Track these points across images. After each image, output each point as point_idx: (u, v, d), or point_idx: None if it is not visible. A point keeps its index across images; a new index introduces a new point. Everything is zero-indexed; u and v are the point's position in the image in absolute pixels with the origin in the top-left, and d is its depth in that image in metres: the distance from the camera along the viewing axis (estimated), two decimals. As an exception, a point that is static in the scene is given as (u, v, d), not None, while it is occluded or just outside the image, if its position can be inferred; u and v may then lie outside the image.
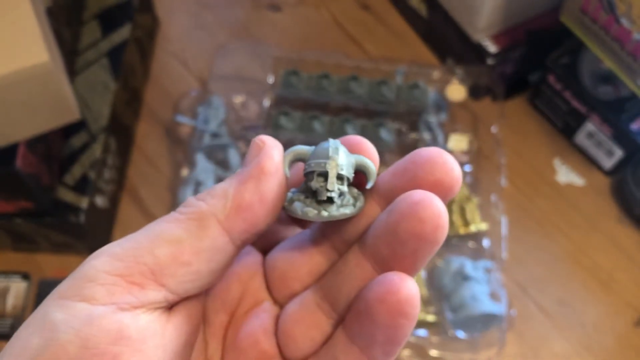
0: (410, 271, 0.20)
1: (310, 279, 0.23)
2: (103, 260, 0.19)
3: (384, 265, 0.20)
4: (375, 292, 0.19)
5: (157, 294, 0.19)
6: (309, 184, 0.21)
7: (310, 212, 0.20)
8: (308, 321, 0.22)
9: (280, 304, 0.23)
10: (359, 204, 0.21)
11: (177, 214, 0.20)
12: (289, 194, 0.21)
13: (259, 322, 0.22)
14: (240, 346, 0.22)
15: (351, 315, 0.20)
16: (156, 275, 0.19)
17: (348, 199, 0.21)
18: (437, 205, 0.19)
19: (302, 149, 0.22)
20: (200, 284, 0.20)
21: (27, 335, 0.18)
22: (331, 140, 0.21)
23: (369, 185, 0.21)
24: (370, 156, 0.21)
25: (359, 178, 0.21)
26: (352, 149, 0.21)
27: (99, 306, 0.19)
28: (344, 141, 0.22)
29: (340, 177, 0.20)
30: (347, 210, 0.20)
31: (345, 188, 0.21)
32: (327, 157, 0.20)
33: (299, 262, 0.23)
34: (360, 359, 0.20)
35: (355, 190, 0.21)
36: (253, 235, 0.21)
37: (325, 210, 0.20)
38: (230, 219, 0.20)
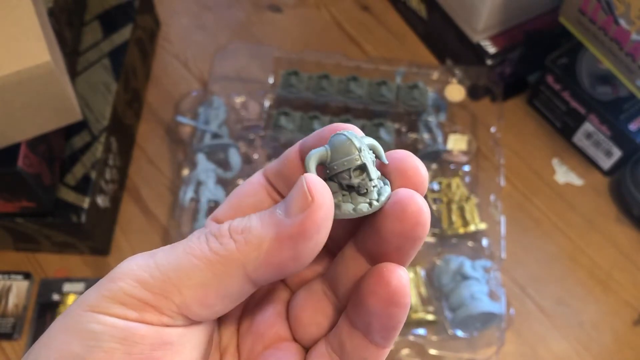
0: (399, 264, 0.20)
1: (321, 268, 0.24)
2: (132, 285, 0.19)
3: (374, 259, 0.21)
4: (368, 284, 0.20)
5: (183, 322, 0.20)
6: (343, 182, 0.20)
7: (364, 207, 0.20)
8: (314, 307, 0.23)
9: (292, 291, 0.24)
10: (387, 187, 0.21)
11: (207, 248, 0.20)
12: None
13: (274, 307, 0.24)
14: (256, 330, 0.23)
15: (350, 305, 0.21)
16: (182, 310, 0.20)
17: (379, 186, 0.21)
18: (416, 203, 0.19)
19: (319, 151, 0.20)
20: (220, 314, 0.21)
21: (64, 342, 0.19)
22: (346, 133, 0.20)
23: (386, 161, 0.21)
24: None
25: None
26: None
27: (133, 322, 0.19)
28: None
29: (361, 168, 0.20)
30: (383, 197, 0.20)
31: (378, 172, 0.21)
32: (351, 153, 0.20)
33: None
34: (363, 342, 0.21)
35: (382, 177, 0.21)
36: (277, 280, 0.21)
37: (372, 200, 0.20)
38: (258, 272, 0.20)
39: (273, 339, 0.23)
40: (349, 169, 0.20)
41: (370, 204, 0.20)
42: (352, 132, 0.21)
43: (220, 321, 0.24)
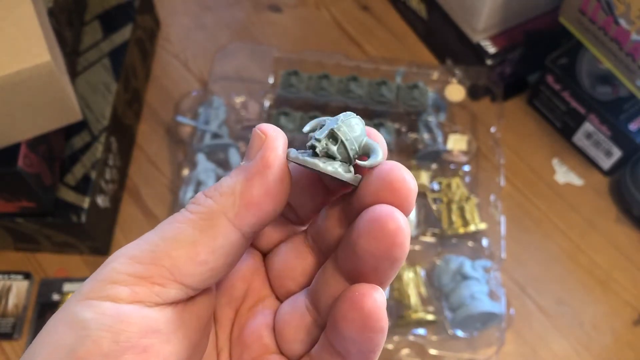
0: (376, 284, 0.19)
1: (304, 279, 0.23)
2: (123, 262, 0.20)
3: (352, 279, 0.20)
4: (341, 308, 0.19)
5: (178, 292, 0.20)
6: (312, 135, 0.21)
7: (308, 160, 0.20)
8: (297, 324, 0.22)
9: (281, 301, 0.24)
10: (356, 176, 0.20)
11: (188, 213, 0.21)
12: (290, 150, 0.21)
13: (263, 318, 0.23)
14: (245, 341, 0.23)
15: (328, 327, 0.20)
16: (175, 275, 0.20)
17: (347, 167, 0.20)
18: (395, 221, 0.18)
19: (321, 118, 0.21)
20: (217, 277, 0.21)
21: (58, 334, 0.19)
22: (351, 113, 0.21)
23: (367, 163, 0.20)
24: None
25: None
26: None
27: (125, 304, 0.19)
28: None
29: (334, 138, 0.20)
30: (341, 170, 0.20)
31: (334, 149, 0.20)
32: (337, 119, 0.21)
33: (293, 263, 0.23)
34: None
35: (353, 172, 0.21)
36: (263, 226, 0.21)
37: (321, 161, 0.20)
38: (240, 216, 0.20)
39: (260, 351, 0.23)
40: (320, 128, 0.21)
41: (314, 162, 0.20)
42: (361, 120, 0.21)
43: (216, 321, 0.24)
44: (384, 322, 0.18)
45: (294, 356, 0.23)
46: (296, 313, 0.23)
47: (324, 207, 0.23)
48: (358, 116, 0.21)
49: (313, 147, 0.20)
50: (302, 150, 0.21)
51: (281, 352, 0.23)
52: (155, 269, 0.20)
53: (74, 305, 0.20)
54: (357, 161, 0.21)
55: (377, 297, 0.18)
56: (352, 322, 0.18)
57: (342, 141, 0.20)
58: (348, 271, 0.20)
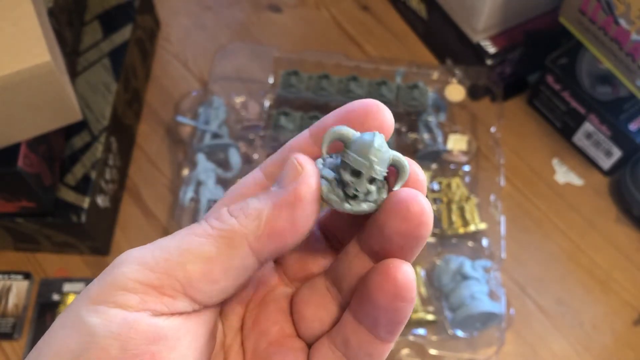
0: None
1: (325, 262, 0.24)
2: (134, 269, 0.20)
3: (378, 258, 0.21)
4: (374, 279, 0.20)
5: (186, 305, 0.20)
6: (342, 172, 0.21)
7: (334, 200, 0.21)
8: (318, 303, 0.23)
9: (295, 287, 0.25)
10: (379, 200, 0.21)
11: (208, 227, 0.20)
12: (320, 165, 0.22)
13: (277, 304, 0.24)
14: (260, 327, 0.24)
15: (355, 301, 0.22)
16: (186, 289, 0.20)
17: (373, 194, 0.21)
18: (420, 203, 0.20)
19: (346, 131, 0.21)
20: (226, 296, 0.21)
21: (63, 338, 0.19)
22: (377, 136, 0.21)
23: (396, 188, 0.21)
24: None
25: (391, 172, 0.22)
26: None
27: (133, 312, 0.19)
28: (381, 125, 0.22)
29: (372, 180, 0.21)
30: (366, 207, 0.21)
31: (373, 188, 0.21)
32: (367, 157, 0.20)
33: (313, 247, 0.24)
34: (368, 337, 0.21)
35: (383, 185, 0.22)
36: (278, 255, 0.21)
37: (348, 203, 0.21)
38: (260, 242, 0.20)
39: (277, 336, 0.23)
40: (348, 165, 0.21)
41: (341, 202, 0.21)
42: (384, 140, 0.21)
43: (223, 319, 0.24)
44: (414, 292, 0.20)
45: (312, 337, 0.23)
46: (316, 294, 0.23)
47: None
48: (380, 133, 0.21)
49: (355, 197, 0.21)
50: (331, 176, 0.21)
51: (299, 336, 0.23)
52: (167, 279, 0.20)
53: (81, 308, 0.19)
54: (393, 189, 0.21)
55: (408, 270, 0.20)
56: (386, 292, 0.20)
57: (378, 180, 0.21)
58: (374, 251, 0.21)
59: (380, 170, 0.21)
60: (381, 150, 0.21)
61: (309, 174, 0.20)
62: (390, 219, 0.20)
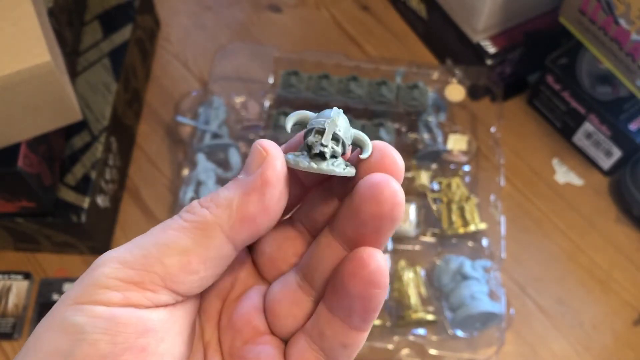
0: (376, 247, 0.21)
1: (295, 259, 0.24)
2: (114, 268, 0.20)
3: (351, 244, 0.22)
4: (348, 267, 0.21)
5: (168, 297, 0.21)
6: (307, 139, 0.22)
7: (302, 162, 0.21)
8: (290, 299, 0.23)
9: (269, 284, 0.25)
10: (349, 169, 0.22)
11: (182, 220, 0.21)
12: (288, 155, 0.22)
13: (251, 302, 0.24)
14: (235, 326, 0.24)
15: (329, 291, 0.22)
16: (166, 282, 0.20)
17: (340, 162, 0.22)
18: (392, 186, 0.20)
19: (306, 113, 0.22)
20: (206, 285, 0.22)
21: (50, 341, 0.19)
22: (335, 108, 0.22)
23: (363, 155, 0.21)
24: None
25: (355, 154, 0.22)
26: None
27: (118, 308, 0.19)
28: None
29: (335, 138, 0.21)
30: (337, 169, 0.21)
31: (339, 150, 0.22)
32: (328, 116, 0.21)
33: (285, 245, 0.24)
34: (342, 329, 0.22)
35: (349, 163, 0.22)
36: (254, 239, 0.22)
37: (317, 163, 0.21)
38: (234, 229, 0.21)
39: (251, 334, 0.23)
40: (312, 129, 0.22)
41: (309, 164, 0.21)
42: (343, 114, 0.22)
43: (201, 314, 0.24)
44: (387, 278, 0.21)
45: (286, 334, 0.23)
46: (288, 290, 0.23)
47: (310, 193, 0.24)
48: (338, 109, 0.22)
49: (322, 154, 0.21)
50: (298, 153, 0.22)
51: (272, 333, 0.24)
52: (147, 275, 0.20)
53: (64, 310, 0.19)
54: (359, 156, 0.22)
55: (379, 257, 0.21)
56: (360, 279, 0.20)
57: (342, 141, 0.22)
58: (347, 237, 0.22)
59: (343, 130, 0.21)
60: (340, 114, 0.22)
61: (274, 157, 0.21)
62: (364, 202, 0.20)
